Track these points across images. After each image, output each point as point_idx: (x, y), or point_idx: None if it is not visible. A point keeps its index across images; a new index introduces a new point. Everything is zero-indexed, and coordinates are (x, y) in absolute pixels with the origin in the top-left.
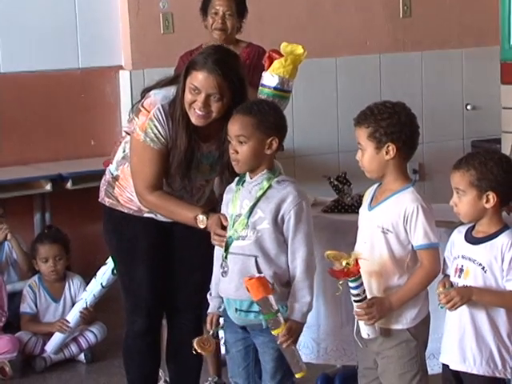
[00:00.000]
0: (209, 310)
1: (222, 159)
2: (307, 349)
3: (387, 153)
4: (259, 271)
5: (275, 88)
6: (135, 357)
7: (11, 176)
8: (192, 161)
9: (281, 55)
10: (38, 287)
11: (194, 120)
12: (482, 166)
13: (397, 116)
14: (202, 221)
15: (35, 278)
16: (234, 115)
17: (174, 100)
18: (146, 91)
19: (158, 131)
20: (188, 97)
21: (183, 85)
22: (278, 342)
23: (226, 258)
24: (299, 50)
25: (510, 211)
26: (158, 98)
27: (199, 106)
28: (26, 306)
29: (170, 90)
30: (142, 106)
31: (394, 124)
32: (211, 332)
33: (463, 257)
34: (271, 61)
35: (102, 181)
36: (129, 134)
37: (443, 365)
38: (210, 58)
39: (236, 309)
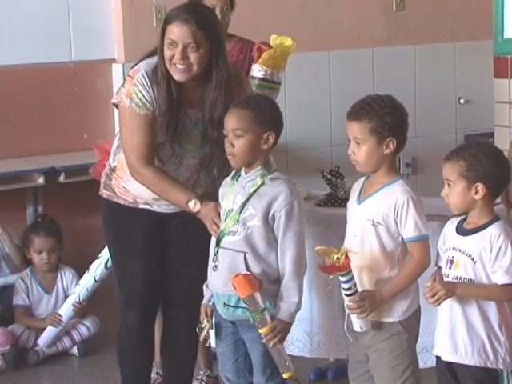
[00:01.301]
0: (203, 301)
1: (203, 115)
2: (300, 342)
3: (387, 147)
4: (248, 268)
5: (264, 79)
6: (129, 350)
7: (3, 169)
8: (178, 124)
9: (270, 47)
10: (30, 279)
11: (176, 76)
12: (472, 158)
13: (397, 110)
14: (194, 206)
15: (27, 270)
16: (230, 109)
17: (157, 65)
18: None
19: (143, 96)
20: (167, 53)
21: (161, 43)
22: (264, 341)
23: (217, 252)
24: (288, 41)
25: (511, 207)
26: (141, 66)
27: (178, 58)
28: (19, 299)
29: (154, 58)
30: (128, 75)
31: (396, 119)
32: (204, 323)
33: (454, 248)
34: (260, 52)
35: (103, 173)
36: (116, 106)
37: (437, 357)
38: (182, 10)
39: (224, 303)
